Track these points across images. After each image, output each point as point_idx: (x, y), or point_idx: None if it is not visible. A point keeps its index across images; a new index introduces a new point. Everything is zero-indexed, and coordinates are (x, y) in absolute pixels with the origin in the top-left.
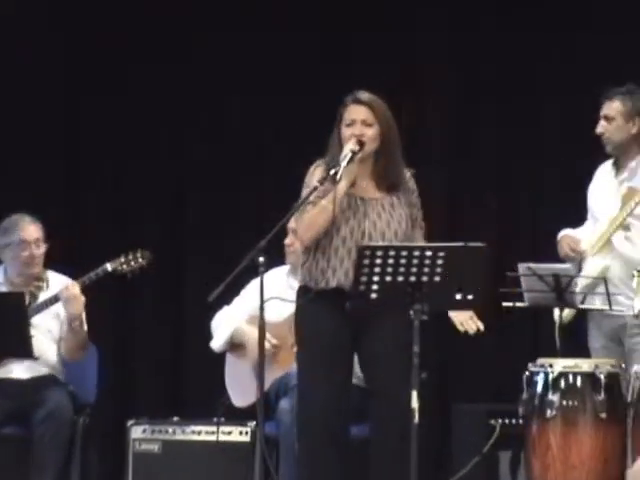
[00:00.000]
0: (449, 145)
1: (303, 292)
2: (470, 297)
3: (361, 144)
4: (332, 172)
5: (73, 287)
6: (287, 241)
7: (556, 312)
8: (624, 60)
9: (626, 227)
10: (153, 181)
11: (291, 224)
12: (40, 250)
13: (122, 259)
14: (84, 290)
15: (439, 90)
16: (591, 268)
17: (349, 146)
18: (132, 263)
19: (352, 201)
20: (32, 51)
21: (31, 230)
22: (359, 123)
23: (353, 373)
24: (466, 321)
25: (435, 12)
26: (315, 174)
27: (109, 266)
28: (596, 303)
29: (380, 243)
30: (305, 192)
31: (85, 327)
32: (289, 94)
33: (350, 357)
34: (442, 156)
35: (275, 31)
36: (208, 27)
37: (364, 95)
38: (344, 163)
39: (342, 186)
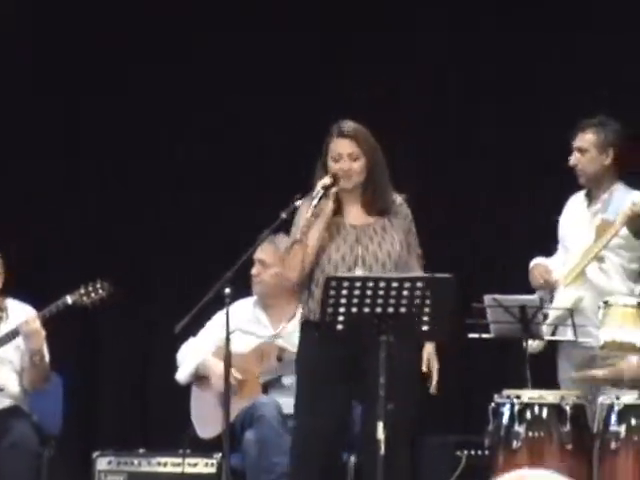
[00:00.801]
0: (449, 145)
1: (306, 327)
2: (436, 328)
3: (335, 178)
4: (297, 204)
5: (33, 321)
6: (254, 271)
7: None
8: (624, 60)
9: (600, 259)
10: (153, 181)
11: (258, 255)
12: None
13: (82, 290)
14: (44, 323)
15: (439, 90)
16: (564, 299)
17: (321, 182)
18: (92, 295)
19: (342, 228)
20: (32, 51)
21: None
22: (346, 157)
23: None
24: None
25: (435, 12)
26: (302, 212)
27: (69, 299)
28: (568, 334)
29: (346, 274)
30: (292, 229)
31: (47, 359)
32: (289, 94)
33: (339, 384)
34: (442, 156)
35: (275, 31)
36: (208, 27)
37: (348, 127)
38: (315, 201)
39: (320, 222)
